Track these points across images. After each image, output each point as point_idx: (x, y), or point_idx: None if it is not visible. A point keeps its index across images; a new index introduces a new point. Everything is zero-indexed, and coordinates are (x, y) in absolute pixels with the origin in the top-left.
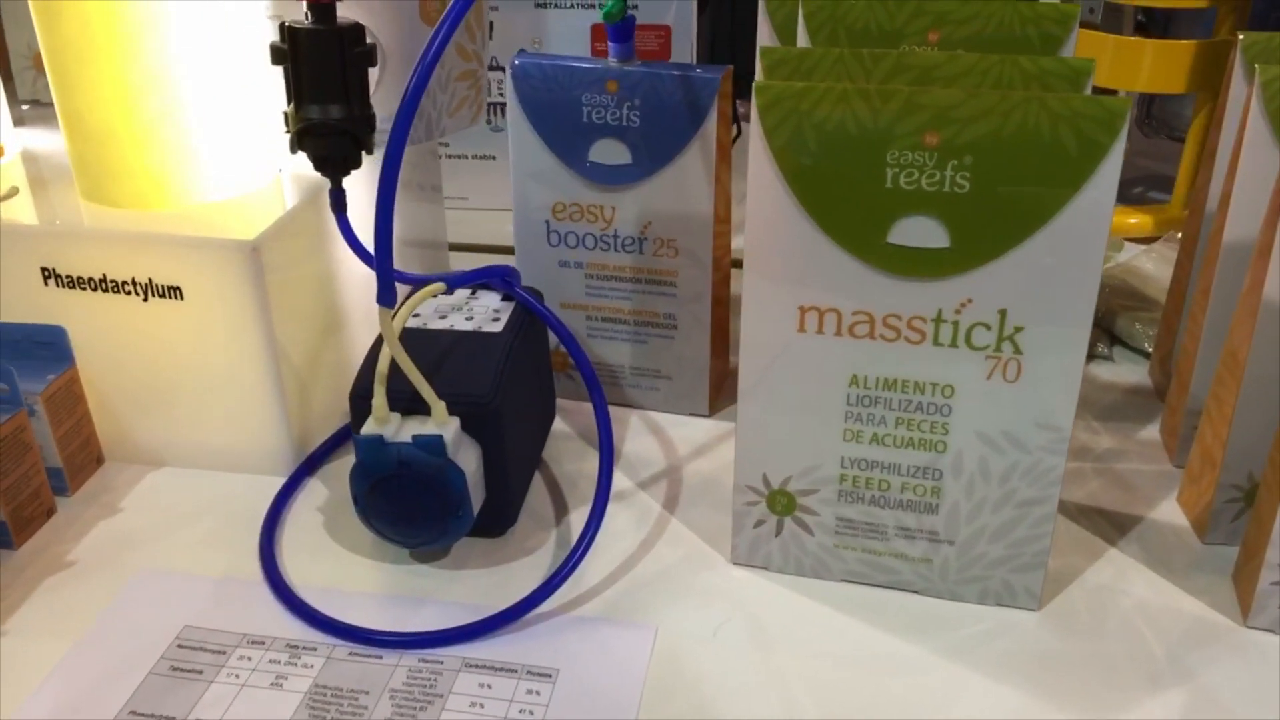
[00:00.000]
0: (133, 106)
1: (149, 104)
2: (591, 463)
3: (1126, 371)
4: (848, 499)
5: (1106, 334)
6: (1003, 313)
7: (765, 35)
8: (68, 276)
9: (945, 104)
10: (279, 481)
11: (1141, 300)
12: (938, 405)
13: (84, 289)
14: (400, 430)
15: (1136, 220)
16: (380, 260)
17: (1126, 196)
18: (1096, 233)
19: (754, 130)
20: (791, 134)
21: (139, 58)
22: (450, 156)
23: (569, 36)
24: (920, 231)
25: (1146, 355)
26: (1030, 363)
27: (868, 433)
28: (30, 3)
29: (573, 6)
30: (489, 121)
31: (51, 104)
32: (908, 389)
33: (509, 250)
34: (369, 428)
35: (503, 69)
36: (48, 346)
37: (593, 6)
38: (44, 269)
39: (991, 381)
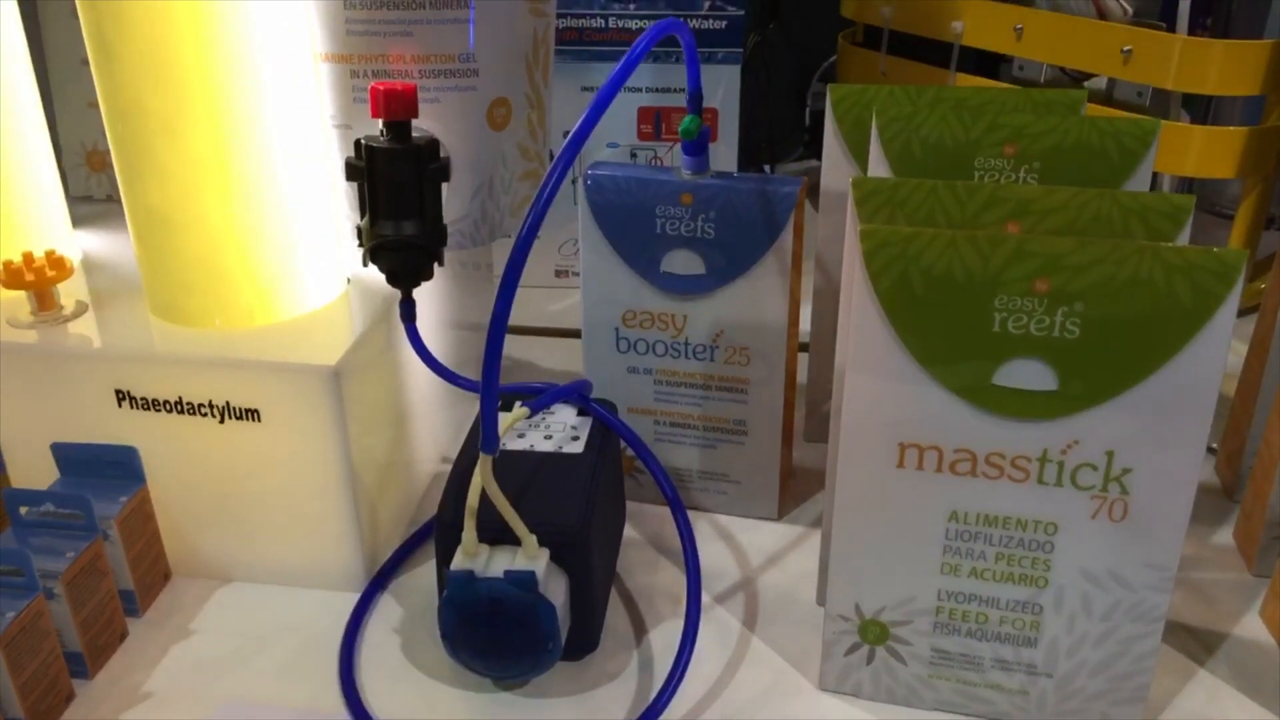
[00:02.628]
0: (214, 222)
1: (230, 218)
2: (664, 573)
3: None
4: (943, 630)
5: None
6: (1110, 454)
7: (832, 141)
8: (142, 399)
9: (1056, 251)
10: (350, 598)
11: None
12: (1040, 542)
13: (158, 410)
14: (490, 563)
15: None
16: (486, 409)
17: None
18: (1209, 380)
19: (858, 271)
20: (897, 278)
21: (223, 172)
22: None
23: (616, 120)
24: (1027, 374)
25: (1211, 450)
26: (1137, 503)
27: (966, 566)
28: (104, 111)
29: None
30: None
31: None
32: (1009, 525)
33: (559, 333)
34: (459, 562)
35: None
36: (118, 466)
37: (639, 90)
38: (118, 391)
39: (1096, 521)
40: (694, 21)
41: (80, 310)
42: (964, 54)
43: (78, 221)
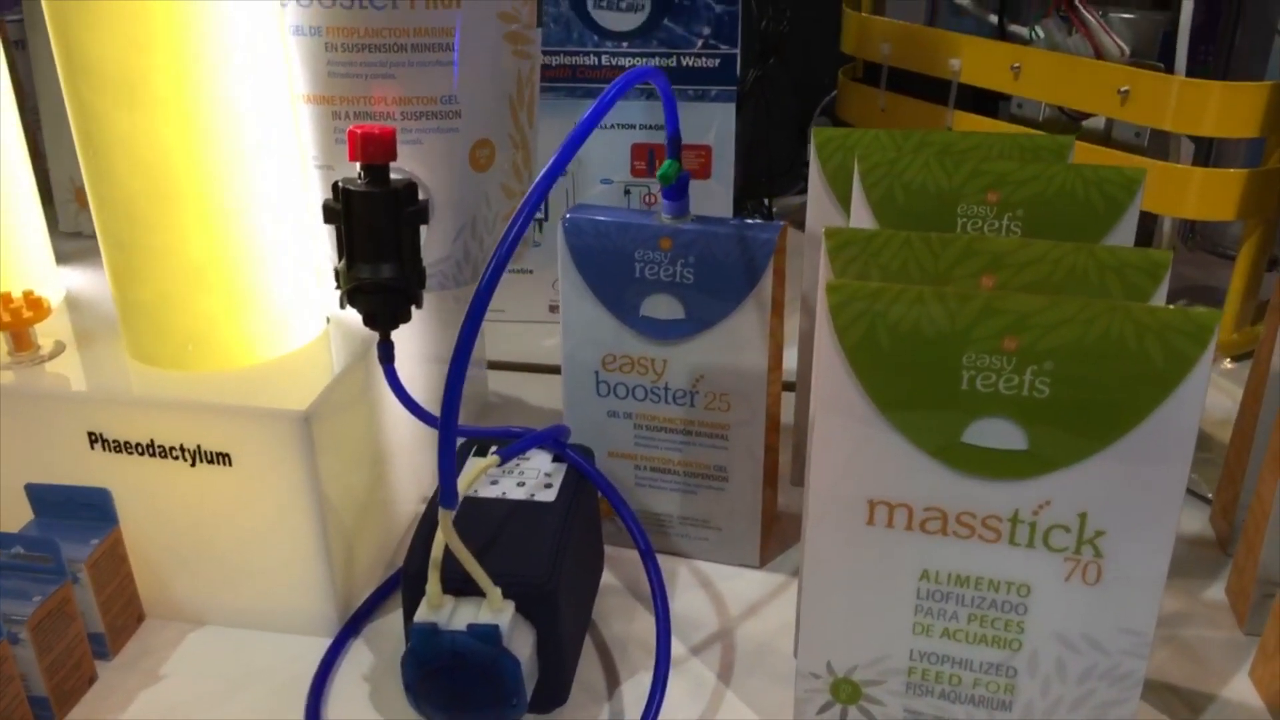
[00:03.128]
0: (189, 262)
1: (206, 258)
2: (640, 622)
3: (1185, 518)
4: (916, 691)
5: None
6: (1083, 516)
7: (817, 184)
8: (115, 441)
9: (1025, 309)
10: (322, 643)
11: (1210, 447)
12: (1013, 604)
13: (131, 453)
14: (454, 616)
15: None
16: (444, 464)
17: None
18: (1183, 441)
19: (824, 326)
20: (864, 333)
21: (199, 211)
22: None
23: (610, 157)
24: (997, 433)
25: (1205, 500)
26: (1111, 566)
27: (939, 627)
28: (78, 146)
29: (612, 126)
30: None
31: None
32: (981, 586)
33: (547, 369)
34: (422, 614)
35: None
36: (92, 508)
37: (633, 127)
38: (90, 433)
39: (1070, 583)
40: (687, 59)
41: (58, 350)
42: (962, 91)
43: (65, 258)
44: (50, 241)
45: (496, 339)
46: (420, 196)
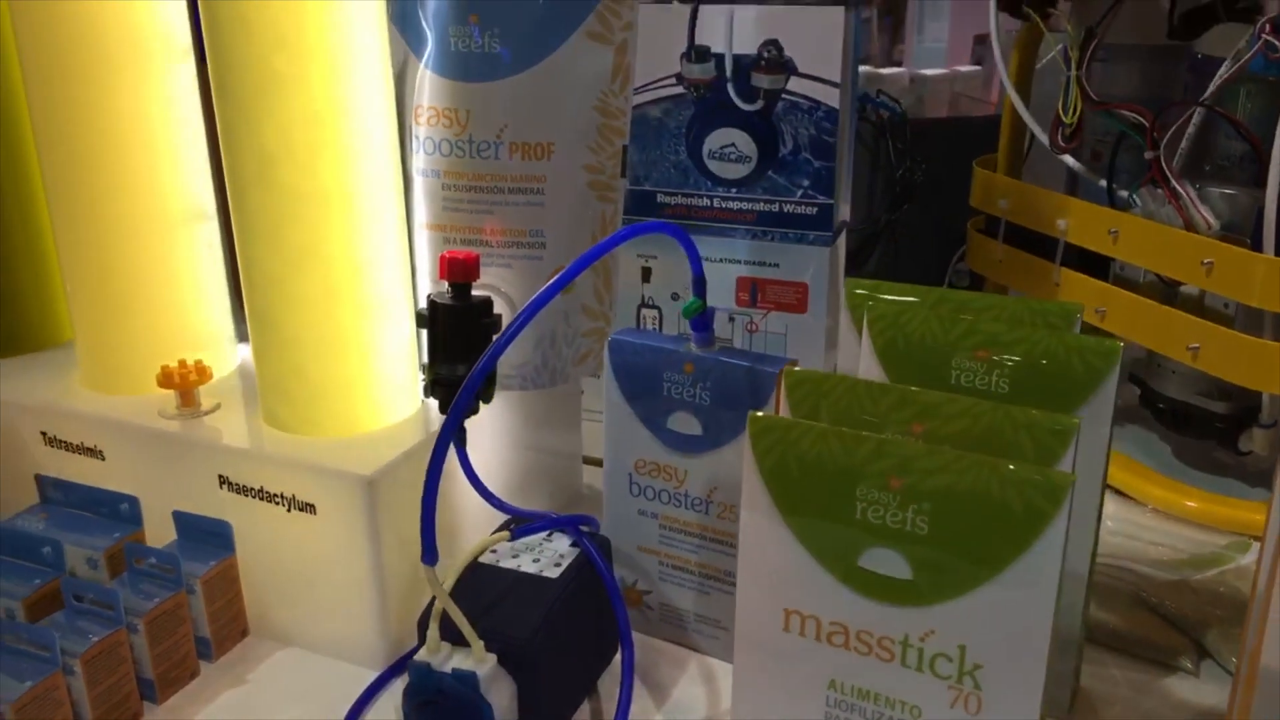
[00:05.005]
0: (311, 351)
1: (326, 348)
2: (641, 703)
3: (1208, 691)
4: None
5: (1195, 646)
6: (962, 648)
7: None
8: (237, 484)
9: (907, 454)
10: (371, 674)
11: (1243, 614)
12: None
13: (247, 496)
14: (447, 660)
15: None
16: (425, 524)
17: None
18: (1044, 594)
19: (748, 452)
20: (778, 460)
21: (329, 314)
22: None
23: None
24: (886, 562)
25: (1227, 671)
26: (989, 700)
27: None
28: (238, 237)
29: (720, 260)
30: None
31: None
32: (879, 702)
33: None
34: (421, 655)
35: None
36: (217, 536)
37: (738, 261)
38: (220, 476)
39: (954, 710)
40: (789, 206)
41: (213, 409)
42: (1070, 250)
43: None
44: (233, 319)
45: (594, 438)
46: (497, 309)
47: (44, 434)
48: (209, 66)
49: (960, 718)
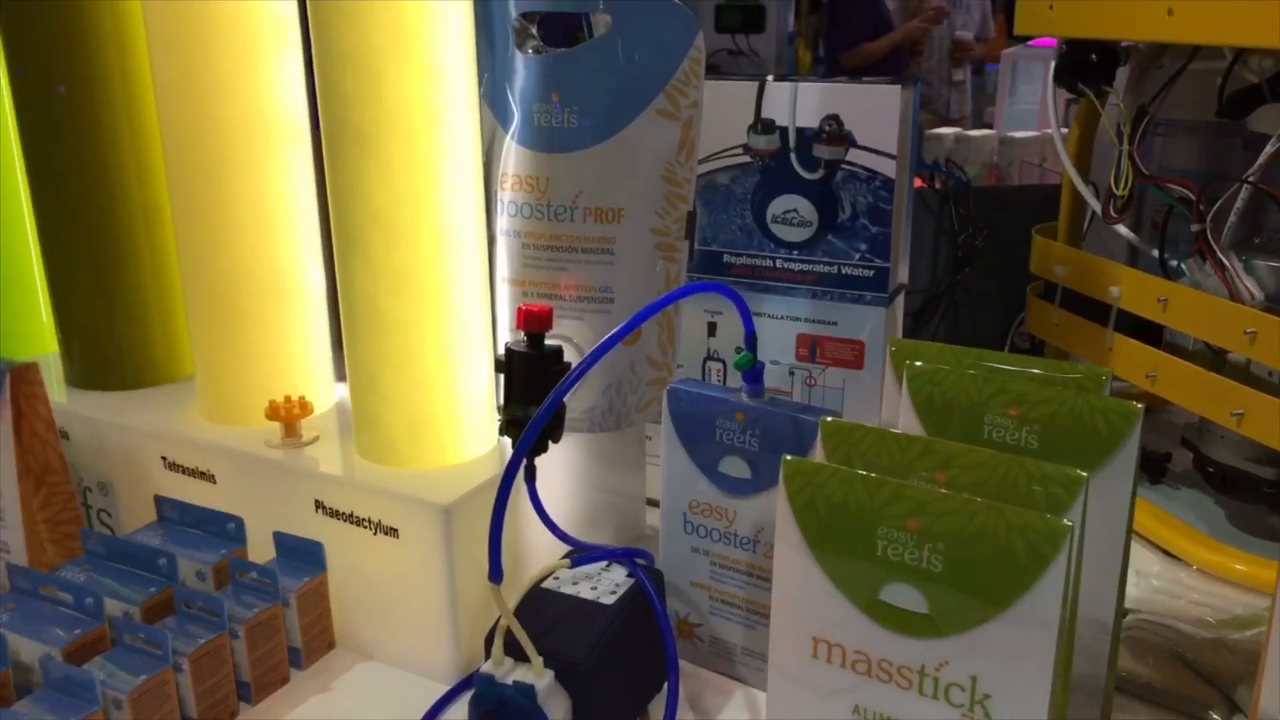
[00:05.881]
0: (410, 394)
1: (415, 390)
2: None
3: None
4: None
5: (1226, 701)
6: (973, 679)
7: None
8: (330, 508)
9: (923, 499)
10: (443, 688)
11: None
12: None
13: (339, 519)
14: (509, 673)
15: None
16: (493, 548)
17: None
18: (1046, 631)
19: (781, 493)
20: (808, 500)
21: (418, 360)
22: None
23: (779, 342)
24: (905, 596)
25: None
26: None
27: None
28: (342, 293)
29: (781, 318)
30: None
31: None
32: None
33: None
34: (486, 667)
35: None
36: (310, 555)
37: (799, 319)
38: (315, 501)
39: None
40: (847, 269)
41: (312, 440)
42: (1124, 316)
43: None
44: (333, 359)
45: (657, 480)
46: (568, 357)
47: (164, 458)
48: (323, 142)
49: None
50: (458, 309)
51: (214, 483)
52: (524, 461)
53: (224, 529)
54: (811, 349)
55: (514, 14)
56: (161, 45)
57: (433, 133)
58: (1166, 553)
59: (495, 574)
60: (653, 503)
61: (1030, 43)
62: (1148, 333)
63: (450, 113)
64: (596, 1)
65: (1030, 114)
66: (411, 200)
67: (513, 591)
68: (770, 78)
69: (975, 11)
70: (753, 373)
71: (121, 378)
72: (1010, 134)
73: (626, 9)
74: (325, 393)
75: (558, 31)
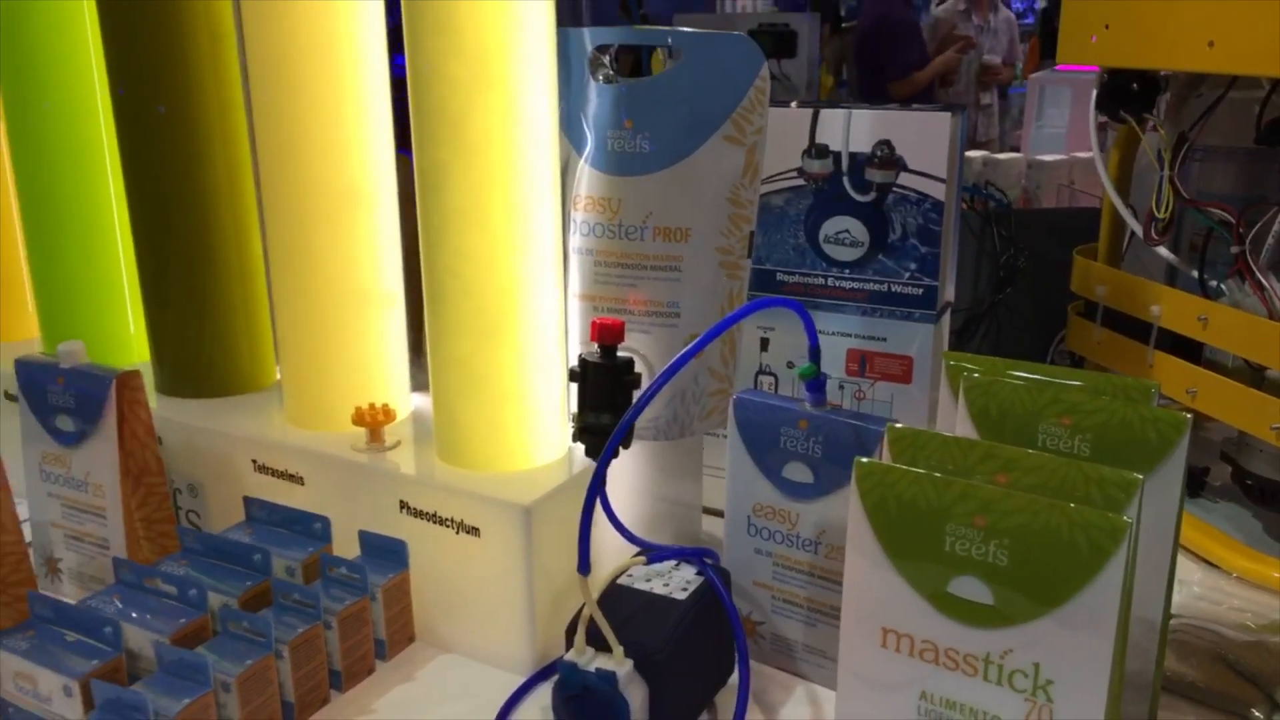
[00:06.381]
0: (489, 402)
1: (499, 398)
2: (753, 717)
3: None
4: None
5: (1267, 699)
6: (1036, 666)
7: (946, 400)
8: (413, 509)
9: (989, 498)
10: (520, 679)
11: None
12: None
13: (422, 519)
14: (591, 661)
15: None
16: (582, 542)
17: None
18: (1107, 619)
19: (854, 492)
20: (879, 499)
21: (494, 376)
22: (710, 434)
23: (830, 357)
24: (971, 589)
25: None
26: (1060, 712)
27: None
28: (428, 308)
29: (833, 334)
30: None
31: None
32: (964, 712)
33: None
34: (570, 655)
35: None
36: (393, 553)
37: (849, 335)
38: (400, 501)
39: None
40: (897, 287)
41: (395, 445)
42: (1164, 334)
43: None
44: (409, 374)
45: (712, 490)
46: (638, 369)
47: (254, 461)
48: (415, 162)
49: None
50: (537, 322)
51: (302, 484)
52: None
53: (310, 528)
54: (861, 364)
55: (589, 47)
56: (260, 72)
57: (518, 162)
58: (1207, 562)
59: (584, 566)
60: (709, 511)
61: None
62: (1186, 350)
63: (533, 143)
64: (665, 35)
65: (1057, 137)
66: (498, 216)
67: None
68: (809, 105)
69: (1002, 36)
70: (816, 383)
71: (210, 386)
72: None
73: (696, 42)
74: (403, 401)
75: (629, 62)
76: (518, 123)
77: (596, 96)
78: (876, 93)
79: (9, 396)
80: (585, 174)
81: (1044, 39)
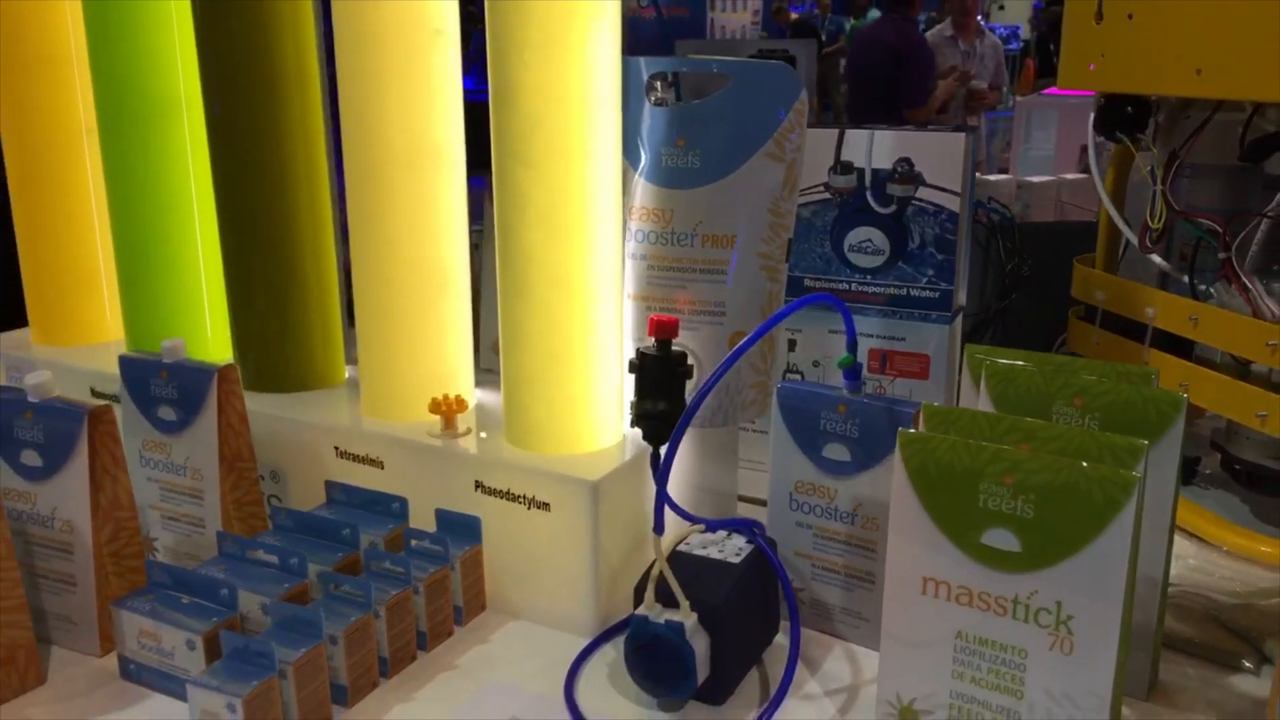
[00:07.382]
0: (555, 391)
1: (564, 388)
2: (798, 672)
3: (1264, 686)
4: None
5: (1256, 652)
6: (1059, 604)
7: (968, 388)
8: (488, 487)
9: (1016, 459)
10: (585, 641)
11: None
12: (1016, 663)
13: (495, 496)
14: (660, 615)
15: None
16: (658, 507)
17: None
18: (1118, 563)
19: (898, 457)
20: (920, 464)
21: (566, 372)
22: (745, 431)
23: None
24: (1002, 539)
25: None
26: (1079, 643)
27: (968, 675)
28: (502, 306)
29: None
30: None
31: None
32: (995, 647)
33: None
34: (641, 609)
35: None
36: (467, 529)
37: (872, 336)
38: (475, 481)
39: (1053, 652)
40: (915, 291)
41: (466, 432)
42: (1158, 334)
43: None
44: (473, 371)
45: (745, 481)
46: (689, 362)
47: (336, 448)
48: (493, 170)
49: (1057, 658)
50: (601, 318)
51: (382, 468)
52: (654, 450)
53: (389, 508)
54: (882, 361)
55: (645, 74)
56: (348, 83)
57: (588, 176)
58: (1200, 539)
59: (659, 527)
60: (745, 500)
61: (1055, 90)
62: (1179, 349)
63: (601, 159)
64: (712, 64)
65: (1044, 160)
66: (571, 219)
67: (646, 556)
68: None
69: (989, 61)
70: (853, 371)
71: (289, 382)
72: (1027, 178)
73: (742, 70)
74: (470, 394)
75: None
76: (589, 136)
77: (650, 117)
78: (870, 114)
79: (103, 396)
80: (640, 187)
81: (1036, 59)
